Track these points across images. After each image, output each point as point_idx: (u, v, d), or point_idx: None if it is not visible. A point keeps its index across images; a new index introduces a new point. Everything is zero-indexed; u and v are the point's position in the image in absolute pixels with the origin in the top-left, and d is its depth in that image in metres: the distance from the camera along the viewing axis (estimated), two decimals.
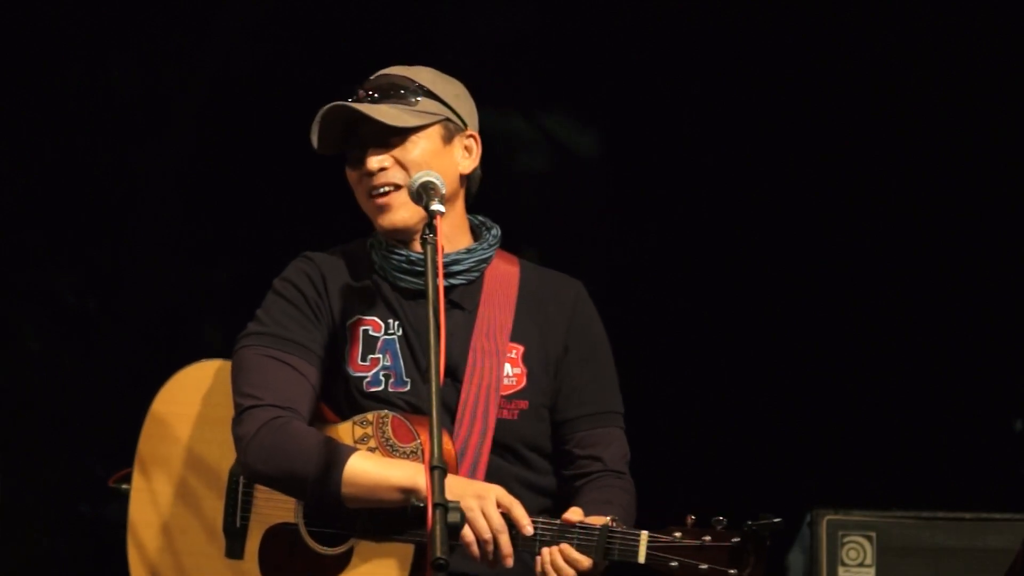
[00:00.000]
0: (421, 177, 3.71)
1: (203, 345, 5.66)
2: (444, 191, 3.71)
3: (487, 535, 3.58)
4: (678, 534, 3.53)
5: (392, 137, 3.83)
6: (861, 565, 4.96)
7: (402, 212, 3.83)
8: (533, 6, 5.91)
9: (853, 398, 5.85)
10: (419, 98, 3.86)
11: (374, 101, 3.85)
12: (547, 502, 3.90)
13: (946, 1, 5.77)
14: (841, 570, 4.96)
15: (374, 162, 3.84)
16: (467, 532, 3.59)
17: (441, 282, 3.56)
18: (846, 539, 4.97)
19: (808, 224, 5.90)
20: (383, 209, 3.85)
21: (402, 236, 3.88)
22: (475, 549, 3.59)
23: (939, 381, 5.82)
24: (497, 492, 3.62)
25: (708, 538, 3.53)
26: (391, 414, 3.75)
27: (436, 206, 3.66)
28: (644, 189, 5.97)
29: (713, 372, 5.93)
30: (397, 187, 3.83)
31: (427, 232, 3.63)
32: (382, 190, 3.84)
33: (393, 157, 3.84)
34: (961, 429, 5.80)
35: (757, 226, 5.93)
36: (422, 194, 3.69)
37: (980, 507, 5.02)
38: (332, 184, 5.86)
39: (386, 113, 3.82)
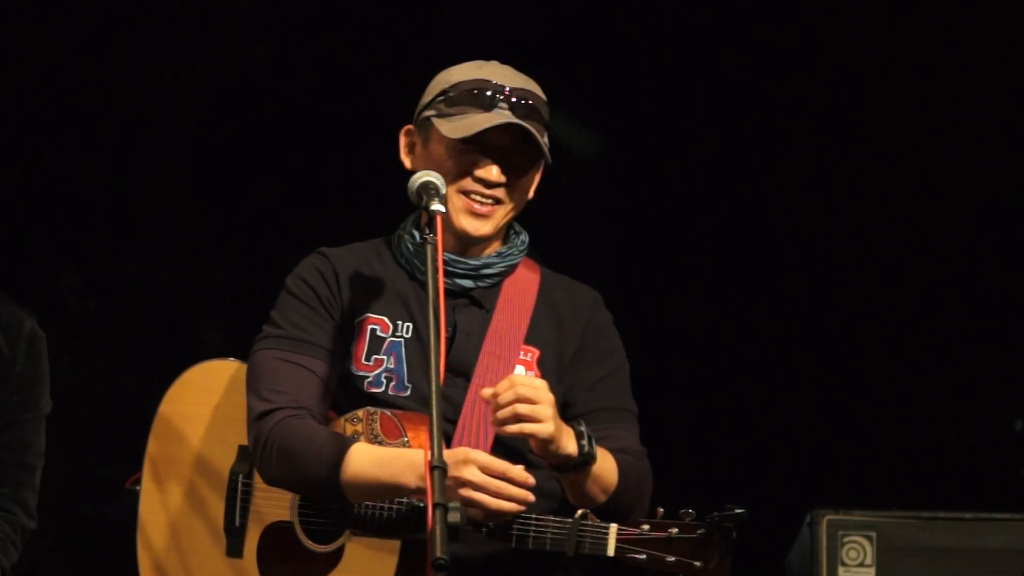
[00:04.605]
0: (421, 177, 3.68)
1: (203, 345, 5.65)
2: (444, 191, 3.70)
3: (491, 482, 3.52)
4: (646, 527, 3.53)
5: (521, 158, 3.78)
6: (861, 565, 4.96)
7: (491, 226, 3.79)
8: (534, 6, 5.91)
9: (853, 398, 5.85)
10: (547, 128, 3.81)
11: (525, 116, 3.77)
12: (552, 504, 3.86)
13: (946, 1, 5.78)
14: (841, 570, 4.96)
15: (497, 172, 3.77)
16: (471, 494, 3.53)
17: (441, 282, 3.55)
18: (846, 539, 4.97)
19: (809, 224, 5.91)
20: (478, 217, 3.79)
21: (471, 243, 3.84)
22: (490, 502, 3.52)
23: (939, 381, 5.82)
24: (474, 454, 3.56)
25: (675, 530, 3.53)
26: (380, 411, 3.74)
27: (436, 206, 3.63)
28: (644, 189, 5.97)
29: (713, 372, 5.93)
30: (499, 202, 3.79)
31: (427, 232, 3.61)
32: (488, 200, 3.79)
33: (514, 175, 3.78)
34: (961, 429, 5.80)
35: (758, 226, 5.94)
36: (422, 194, 3.65)
37: (980, 507, 5.02)
38: (332, 184, 5.90)
39: (537, 136, 3.75)
